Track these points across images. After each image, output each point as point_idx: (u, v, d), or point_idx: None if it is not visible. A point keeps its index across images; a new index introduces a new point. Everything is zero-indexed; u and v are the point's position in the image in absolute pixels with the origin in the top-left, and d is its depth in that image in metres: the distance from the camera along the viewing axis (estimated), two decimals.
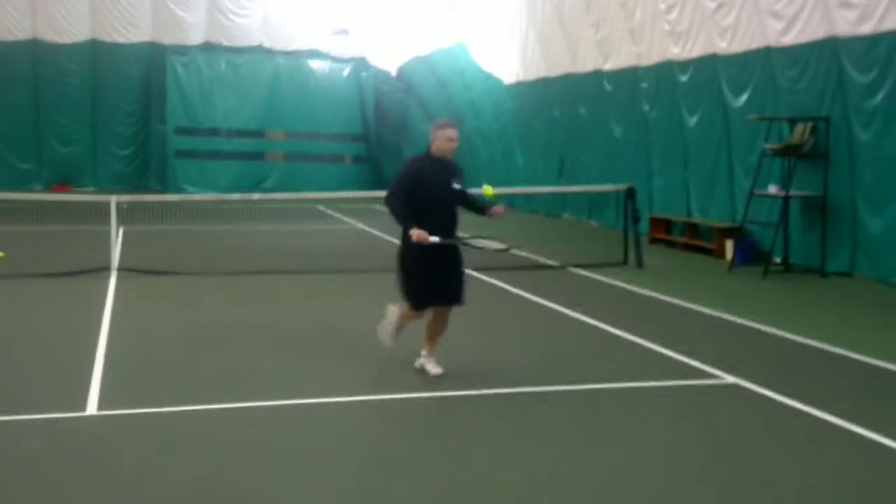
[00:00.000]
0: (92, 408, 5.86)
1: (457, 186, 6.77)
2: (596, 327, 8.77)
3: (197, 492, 4.58)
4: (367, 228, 17.76)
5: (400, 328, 6.81)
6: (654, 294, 10.56)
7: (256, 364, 7.19)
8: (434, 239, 6.42)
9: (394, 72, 26.67)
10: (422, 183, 6.58)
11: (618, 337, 8.34)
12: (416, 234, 6.38)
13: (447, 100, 24.85)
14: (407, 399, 6.34)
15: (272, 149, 26.26)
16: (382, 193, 20.83)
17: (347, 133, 26.90)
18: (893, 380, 6.99)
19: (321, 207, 21.78)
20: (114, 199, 11.67)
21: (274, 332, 8.40)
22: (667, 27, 15.22)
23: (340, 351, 7.69)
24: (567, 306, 9.68)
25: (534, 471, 4.93)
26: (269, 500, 4.51)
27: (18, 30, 23.90)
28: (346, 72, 26.50)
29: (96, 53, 24.65)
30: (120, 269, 11.38)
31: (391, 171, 26.61)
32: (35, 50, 24.08)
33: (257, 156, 26.13)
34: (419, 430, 5.76)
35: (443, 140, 6.67)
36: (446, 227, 6.65)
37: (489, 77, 22.78)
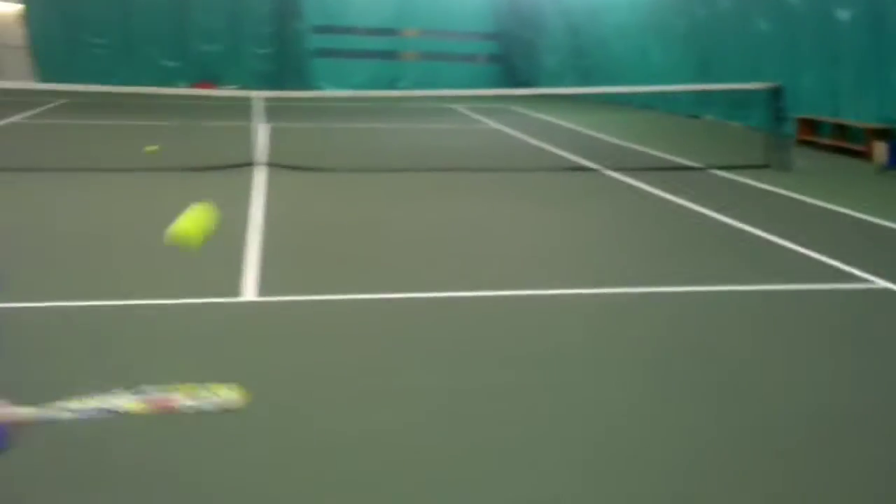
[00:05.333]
0: (251, 294, 6.17)
1: None
2: (741, 230, 8.58)
3: (350, 374, 4.80)
4: (502, 128, 17.69)
5: None
6: (801, 197, 10.24)
7: (405, 257, 7.39)
8: None
9: None
10: None
11: (763, 239, 8.16)
12: None
13: None
14: (522, 296, 6.42)
15: (406, 48, 26.30)
16: (519, 91, 20.70)
17: (481, 31, 26.63)
18: None
19: (456, 106, 21.77)
20: (255, 95, 11.97)
21: (418, 227, 8.59)
22: None
23: (478, 246, 7.82)
24: (709, 208, 9.49)
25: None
26: (430, 389, 4.70)
27: None
28: None
29: None
30: (265, 164, 11.74)
31: (525, 71, 26.38)
32: None
33: (392, 55, 26.24)
34: (537, 325, 5.83)
35: None
36: None
37: None
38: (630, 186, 10.96)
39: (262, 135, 12.69)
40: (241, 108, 16.28)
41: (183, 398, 2.23)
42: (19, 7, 24.73)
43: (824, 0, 14.59)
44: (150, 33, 24.97)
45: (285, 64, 25.78)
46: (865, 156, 13.19)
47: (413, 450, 3.88)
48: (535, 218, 9.13)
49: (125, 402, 2.16)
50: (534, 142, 15.37)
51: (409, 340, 5.36)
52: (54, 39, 24.58)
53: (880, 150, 12.63)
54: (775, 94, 12.59)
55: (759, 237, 8.21)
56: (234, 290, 6.23)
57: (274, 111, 16.60)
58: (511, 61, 26.84)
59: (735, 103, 17.76)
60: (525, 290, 6.46)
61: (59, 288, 6.28)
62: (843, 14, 14.16)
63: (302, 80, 25.03)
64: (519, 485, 3.56)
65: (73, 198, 9.69)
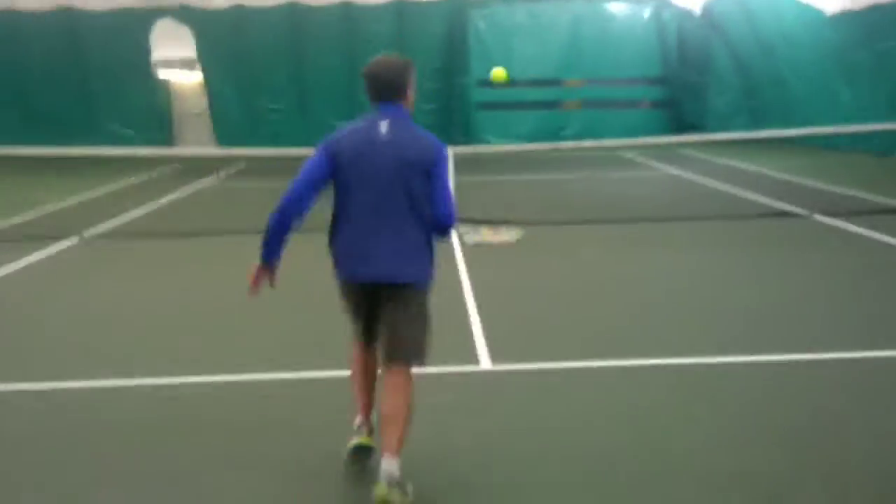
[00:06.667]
0: (486, 362, 5.89)
1: None
2: None
3: (603, 453, 4.42)
4: (682, 173, 17.08)
5: None
6: None
7: (634, 320, 6.98)
8: None
9: (698, 10, 25.42)
10: None
11: None
12: None
13: (756, 35, 23.39)
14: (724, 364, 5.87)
15: (569, 97, 26.01)
16: (695, 137, 19.78)
17: (646, 76, 26.07)
18: None
19: (626, 154, 21.27)
20: (450, 151, 11.80)
21: (626, 283, 8.17)
22: None
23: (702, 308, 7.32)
24: None
25: None
26: (682, 461, 4.27)
27: None
28: (646, 13, 25.61)
29: (401, 14, 25.47)
30: (460, 221, 11.55)
31: (693, 116, 25.61)
32: (346, 13, 25.33)
33: (554, 104, 25.98)
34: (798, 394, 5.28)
35: None
36: None
37: (806, 7, 21.11)
38: (850, 233, 10.20)
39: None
40: None
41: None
42: (199, 76, 25.88)
43: None
44: (321, 94, 25.64)
45: (450, 118, 25.88)
46: None
47: None
48: (757, 272, 8.53)
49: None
50: (722, 187, 14.70)
51: (661, 410, 4.93)
52: (232, 105, 25.53)
53: None
54: None
55: None
56: (472, 357, 5.97)
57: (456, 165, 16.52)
58: (677, 105, 26.14)
59: None
60: (761, 355, 5.93)
61: (293, 355, 6.17)
62: None
63: (467, 133, 25.05)
64: None
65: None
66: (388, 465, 3.79)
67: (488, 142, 24.20)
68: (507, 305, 7.48)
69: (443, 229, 4.01)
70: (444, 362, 5.76)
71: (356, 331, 4.22)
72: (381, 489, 3.75)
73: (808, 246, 9.65)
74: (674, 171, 17.67)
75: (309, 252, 5.55)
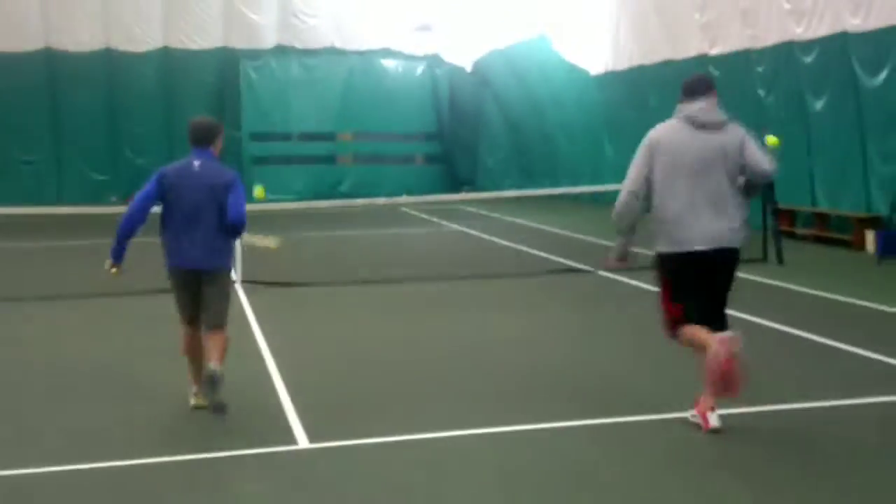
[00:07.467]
0: (303, 440, 5.33)
1: None
2: (789, 334, 8.02)
3: None
4: (465, 230, 17.12)
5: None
6: (814, 291, 9.88)
7: (451, 388, 6.62)
8: None
9: (469, 67, 25.98)
10: None
11: (820, 345, 7.60)
12: None
13: (526, 94, 24.16)
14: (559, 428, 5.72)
15: (343, 151, 25.78)
16: (468, 195, 19.92)
17: (420, 132, 26.30)
18: None
19: (406, 209, 21.13)
20: None
21: (434, 349, 7.85)
22: (787, 6, 14.42)
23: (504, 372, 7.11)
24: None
25: None
26: None
27: (92, 40, 23.62)
28: (419, 69, 25.93)
29: (169, 61, 24.27)
30: (244, 282, 10.85)
31: (467, 171, 26.06)
32: (109, 59, 23.83)
33: (330, 159, 25.67)
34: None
35: None
36: None
37: (573, 68, 22.06)
38: (634, 288, 10.36)
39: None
40: None
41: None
42: None
43: (796, 90, 14.58)
44: (80, 147, 23.86)
45: None
46: (852, 245, 13.03)
47: None
48: (555, 333, 8.44)
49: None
50: (506, 243, 14.84)
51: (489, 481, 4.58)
52: None
53: (871, 239, 12.58)
54: (768, 185, 12.33)
55: (813, 342, 7.69)
56: (288, 436, 5.39)
57: None
58: (451, 161, 26.52)
59: None
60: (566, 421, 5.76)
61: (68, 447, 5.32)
62: (817, 103, 14.12)
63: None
64: None
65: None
66: (213, 364, 5.57)
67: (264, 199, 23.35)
68: (318, 374, 6.94)
69: (235, 227, 5.73)
70: (256, 443, 5.19)
71: (183, 313, 5.88)
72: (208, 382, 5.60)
73: (599, 302, 9.79)
74: (455, 226, 17.71)
75: None
